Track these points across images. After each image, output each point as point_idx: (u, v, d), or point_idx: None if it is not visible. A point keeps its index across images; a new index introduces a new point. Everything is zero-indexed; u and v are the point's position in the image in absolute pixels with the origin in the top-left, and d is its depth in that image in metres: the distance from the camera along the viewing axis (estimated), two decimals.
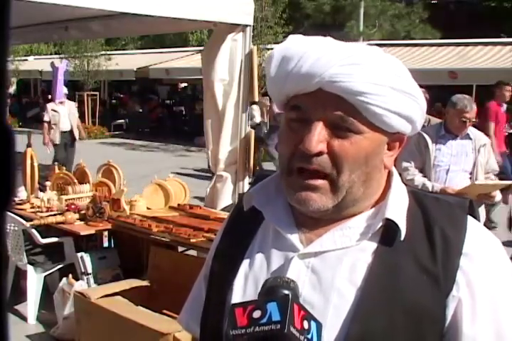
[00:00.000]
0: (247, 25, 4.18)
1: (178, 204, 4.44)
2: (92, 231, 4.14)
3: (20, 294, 4.38)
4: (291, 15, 15.68)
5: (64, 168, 5.39)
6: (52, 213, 4.39)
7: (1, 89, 0.36)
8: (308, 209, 0.92)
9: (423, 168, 4.24)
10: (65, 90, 10.70)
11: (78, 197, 4.72)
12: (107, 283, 3.94)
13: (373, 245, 0.92)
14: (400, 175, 1.03)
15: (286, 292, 0.81)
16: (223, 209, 4.32)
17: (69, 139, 9.65)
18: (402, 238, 0.91)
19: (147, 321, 2.96)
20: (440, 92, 10.94)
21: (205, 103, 4.45)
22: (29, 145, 5.14)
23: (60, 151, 9.53)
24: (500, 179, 4.61)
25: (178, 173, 8.46)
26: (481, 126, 6.33)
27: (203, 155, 9.74)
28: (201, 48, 5.83)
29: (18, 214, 4.33)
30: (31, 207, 4.62)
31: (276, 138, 7.01)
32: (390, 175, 0.99)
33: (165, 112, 20.17)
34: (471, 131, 4.25)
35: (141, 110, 20.17)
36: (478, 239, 0.94)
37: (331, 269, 0.92)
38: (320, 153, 0.88)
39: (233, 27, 4.13)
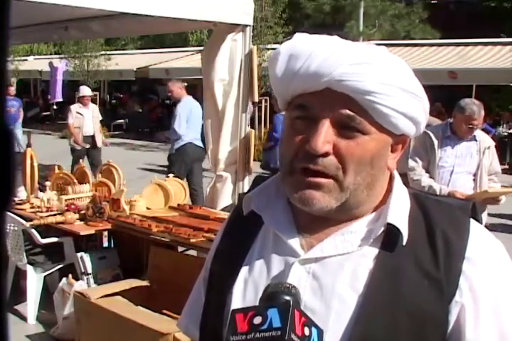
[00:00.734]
0: (247, 25, 4.18)
1: (178, 204, 4.44)
2: (91, 231, 4.14)
3: (20, 294, 4.37)
4: (291, 15, 15.68)
5: (64, 168, 5.39)
6: (52, 213, 4.38)
7: (1, 89, 0.36)
8: (311, 209, 0.90)
9: (428, 168, 4.23)
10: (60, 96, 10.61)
11: (78, 197, 4.72)
12: (106, 283, 3.94)
13: (375, 250, 0.91)
14: (401, 175, 1.02)
15: (288, 298, 0.80)
16: (223, 209, 4.32)
17: (91, 145, 8.95)
18: (404, 243, 0.90)
19: (147, 321, 2.96)
20: (440, 92, 10.95)
21: (205, 103, 4.45)
22: (29, 145, 5.14)
23: (80, 157, 8.41)
24: None
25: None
26: None
27: None
28: (201, 48, 5.83)
29: (18, 214, 4.33)
30: (31, 207, 4.62)
31: None
32: (391, 177, 0.98)
33: (165, 112, 20.15)
34: (477, 133, 4.23)
35: (141, 110, 20.17)
36: (480, 243, 0.92)
37: (332, 275, 0.90)
38: (326, 154, 0.86)
39: (233, 27, 4.13)
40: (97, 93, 19.66)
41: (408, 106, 0.88)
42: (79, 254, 4.14)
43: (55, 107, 20.41)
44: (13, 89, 14.49)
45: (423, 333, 0.88)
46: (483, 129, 4.52)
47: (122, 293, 3.39)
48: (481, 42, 15.48)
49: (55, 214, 4.32)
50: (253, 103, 4.43)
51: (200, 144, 6.87)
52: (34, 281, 4.28)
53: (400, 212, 0.92)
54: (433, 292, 0.88)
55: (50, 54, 24.24)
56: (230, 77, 4.19)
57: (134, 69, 19.46)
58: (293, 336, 0.76)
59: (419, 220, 0.93)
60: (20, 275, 4.46)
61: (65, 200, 4.59)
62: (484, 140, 4.26)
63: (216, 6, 4.02)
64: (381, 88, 0.85)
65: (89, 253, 4.16)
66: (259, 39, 13.23)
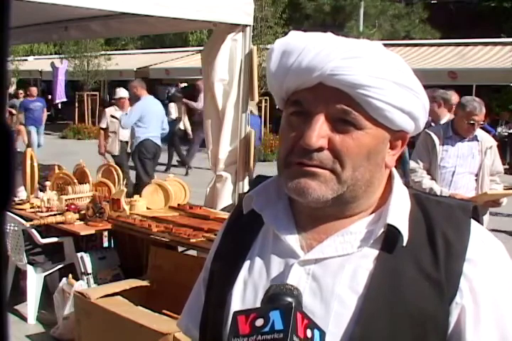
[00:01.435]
0: (247, 25, 4.18)
1: (178, 204, 4.44)
2: (92, 231, 4.14)
3: (20, 294, 4.38)
4: (291, 15, 15.71)
5: (64, 168, 5.39)
6: (52, 213, 4.39)
7: (1, 89, 0.36)
8: (306, 199, 0.88)
9: (429, 168, 4.22)
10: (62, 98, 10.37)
11: (78, 197, 4.72)
12: (107, 283, 3.95)
13: (375, 251, 0.90)
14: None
15: (290, 299, 0.80)
16: (223, 209, 4.32)
17: (126, 150, 8.22)
18: (405, 244, 0.89)
19: (147, 321, 2.96)
20: None
21: (205, 103, 4.45)
22: (29, 145, 5.14)
23: (125, 163, 8.05)
24: None
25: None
26: None
27: (203, 155, 9.74)
28: (201, 48, 5.82)
29: (18, 214, 4.33)
30: (31, 207, 4.62)
31: (202, 134, 7.24)
32: (391, 177, 0.97)
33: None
34: (478, 133, 4.22)
35: None
36: (481, 244, 0.91)
37: (331, 276, 0.90)
38: (320, 149, 0.86)
39: (233, 27, 4.13)
40: (97, 93, 19.71)
41: (403, 101, 0.87)
42: (79, 254, 4.14)
43: (59, 107, 20.42)
44: (35, 89, 13.46)
45: (423, 334, 0.87)
46: (482, 129, 4.50)
47: (122, 293, 3.39)
48: (481, 42, 15.48)
49: (55, 214, 4.32)
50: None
51: (158, 141, 7.44)
52: (34, 281, 4.28)
53: (400, 213, 0.91)
54: (433, 293, 0.87)
55: (50, 54, 24.24)
56: (230, 77, 4.18)
57: (134, 69, 19.45)
58: (295, 338, 0.75)
59: (419, 221, 0.92)
60: (20, 275, 4.46)
61: (65, 200, 4.59)
62: (486, 140, 4.25)
63: (216, 6, 4.02)
64: (373, 81, 0.84)
65: (89, 253, 4.16)
66: (259, 39, 13.25)
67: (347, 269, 0.90)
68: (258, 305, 0.87)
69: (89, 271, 4.09)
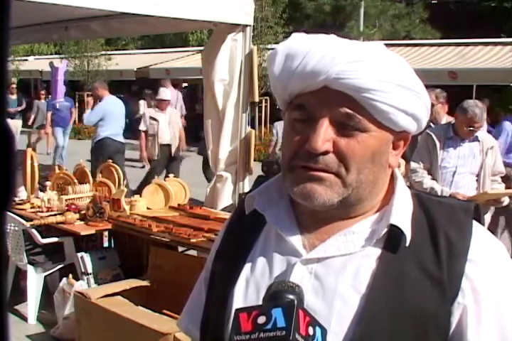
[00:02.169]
0: (247, 25, 4.18)
1: (178, 204, 4.44)
2: (92, 231, 4.14)
3: (20, 294, 4.38)
4: (291, 15, 15.70)
5: (65, 167, 5.39)
6: (53, 213, 4.39)
7: (1, 89, 0.36)
8: (312, 203, 0.89)
9: (430, 169, 4.22)
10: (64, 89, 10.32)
11: (78, 197, 4.72)
12: (107, 283, 3.95)
13: (377, 251, 0.91)
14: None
15: (291, 297, 0.80)
16: (223, 209, 4.32)
17: (167, 155, 7.82)
18: (407, 244, 0.89)
19: (147, 321, 2.96)
20: None
21: (205, 103, 4.45)
22: (29, 145, 5.14)
23: (159, 168, 7.76)
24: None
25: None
26: None
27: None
28: (201, 48, 5.83)
29: (18, 214, 4.33)
30: (31, 207, 4.62)
31: None
32: (393, 177, 0.98)
33: None
34: (479, 133, 4.22)
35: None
36: (483, 245, 0.92)
37: (334, 275, 0.90)
38: (326, 152, 0.86)
39: (233, 27, 4.14)
40: None
41: (408, 103, 0.88)
42: (79, 254, 4.14)
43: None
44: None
45: (425, 334, 0.88)
46: None
47: (122, 293, 3.39)
48: (481, 42, 15.46)
49: (55, 214, 4.32)
50: (253, 103, 4.44)
51: (119, 139, 7.79)
52: (34, 281, 4.28)
53: (403, 213, 0.91)
54: (435, 293, 0.88)
55: (51, 54, 24.23)
56: (230, 77, 4.19)
57: (135, 70, 19.45)
58: (297, 336, 0.76)
59: (421, 221, 0.93)
60: (21, 275, 4.46)
61: (66, 200, 4.59)
62: (487, 140, 4.25)
63: (216, 6, 4.02)
64: (378, 85, 0.85)
65: (90, 253, 4.16)
66: (259, 39, 13.25)
67: (349, 268, 0.90)
68: (260, 303, 0.87)
69: (90, 271, 4.09)
